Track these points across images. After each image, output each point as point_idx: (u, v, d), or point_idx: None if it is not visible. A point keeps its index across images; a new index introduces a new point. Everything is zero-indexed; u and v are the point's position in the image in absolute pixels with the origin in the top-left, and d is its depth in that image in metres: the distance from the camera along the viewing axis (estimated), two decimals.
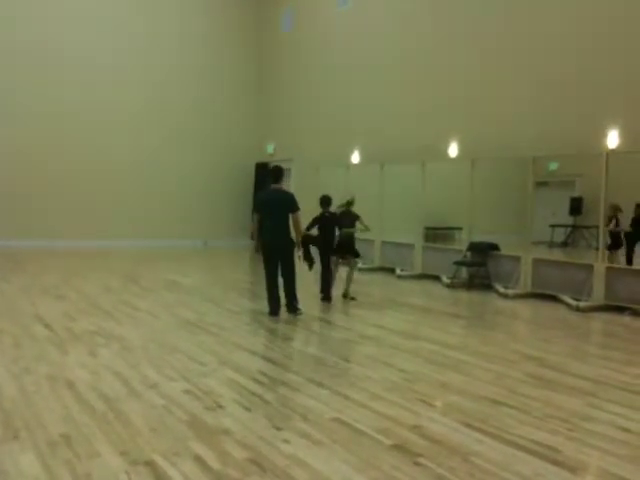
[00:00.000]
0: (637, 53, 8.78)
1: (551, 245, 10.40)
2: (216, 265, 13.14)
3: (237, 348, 5.56)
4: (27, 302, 7.66)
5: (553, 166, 10.22)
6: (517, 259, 9.50)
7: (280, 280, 7.17)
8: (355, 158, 13.73)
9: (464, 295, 9.44)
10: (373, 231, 9.43)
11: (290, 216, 7.05)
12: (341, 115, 14.36)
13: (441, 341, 6.05)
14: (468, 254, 10.22)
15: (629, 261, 8.61)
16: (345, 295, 8.40)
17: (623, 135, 8.67)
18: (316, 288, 8.37)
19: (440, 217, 12.08)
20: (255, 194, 16.91)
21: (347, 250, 8.53)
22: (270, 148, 17.07)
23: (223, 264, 13.37)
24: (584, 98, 9.36)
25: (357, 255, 8.72)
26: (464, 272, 10.27)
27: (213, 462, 3.11)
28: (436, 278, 10.72)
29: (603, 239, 8.47)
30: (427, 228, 11.70)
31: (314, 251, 8.05)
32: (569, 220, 10.18)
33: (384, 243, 12.11)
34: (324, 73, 15.09)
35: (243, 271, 12.78)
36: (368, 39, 13.72)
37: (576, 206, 9.99)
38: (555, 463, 3.19)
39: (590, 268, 8.44)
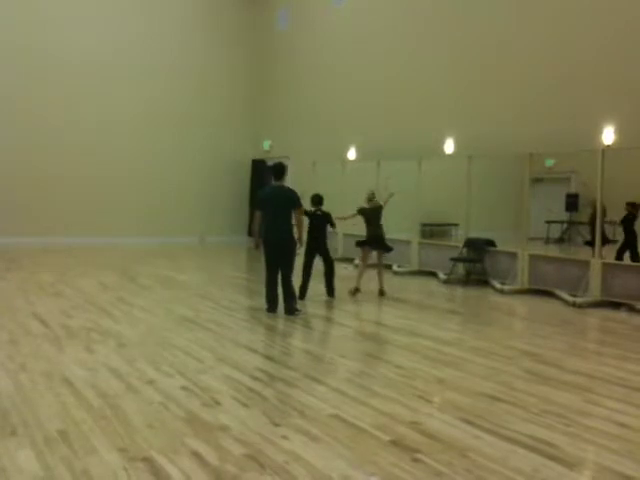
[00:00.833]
0: (633, 50, 8.79)
1: (547, 241, 10.43)
2: (213, 262, 13.13)
3: (234, 345, 5.56)
4: (23, 299, 7.64)
5: (549, 162, 10.24)
6: (514, 255, 9.52)
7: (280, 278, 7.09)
8: (351, 155, 13.72)
9: (461, 291, 9.45)
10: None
11: (293, 213, 6.98)
12: (337, 112, 14.34)
13: (438, 337, 6.05)
14: (464, 250, 10.23)
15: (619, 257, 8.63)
16: (382, 293, 8.44)
17: (619, 132, 8.69)
18: (321, 285, 8.29)
19: (437, 213, 12.10)
20: (251, 191, 16.93)
21: (382, 245, 8.55)
22: (266, 145, 17.05)
23: (220, 261, 13.35)
24: (580, 95, 9.38)
25: (390, 249, 8.70)
26: (461, 268, 10.28)
27: (211, 458, 3.11)
28: (433, 274, 10.73)
29: (599, 235, 8.49)
30: (424, 224, 11.71)
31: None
32: (565, 216, 10.21)
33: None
34: (320, 70, 15.06)
35: (240, 268, 12.77)
36: (364, 36, 13.69)
37: (572, 202, 10.02)
38: (552, 458, 3.20)
39: (586, 264, 8.46)
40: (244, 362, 4.96)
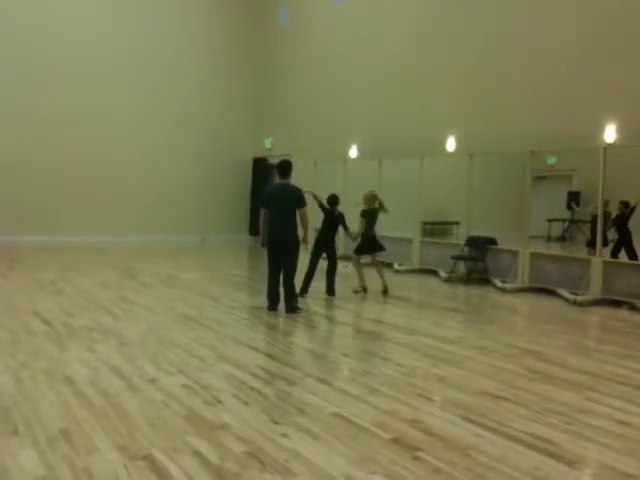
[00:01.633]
0: (635, 49, 8.77)
1: (548, 239, 10.41)
2: (214, 260, 13.13)
3: (235, 343, 5.56)
4: (25, 298, 7.65)
5: (551, 160, 10.22)
6: (515, 253, 9.51)
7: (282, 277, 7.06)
8: (353, 153, 13.71)
9: (462, 290, 9.45)
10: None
11: (297, 212, 6.90)
12: (339, 110, 14.33)
13: (439, 335, 6.05)
14: (466, 248, 10.22)
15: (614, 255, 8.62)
16: (386, 291, 8.44)
17: (621, 130, 8.67)
18: (321, 284, 8.28)
19: (438, 212, 12.09)
20: (253, 189, 16.92)
21: (378, 246, 8.60)
22: (268, 143, 17.04)
23: (221, 259, 13.35)
24: (582, 93, 9.36)
25: (384, 248, 8.79)
26: (462, 266, 10.28)
27: (212, 456, 3.11)
28: (434, 273, 10.73)
29: (600, 233, 8.47)
30: (425, 223, 11.70)
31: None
32: (567, 214, 10.19)
33: (382, 238, 12.05)
34: (321, 68, 15.05)
35: (241, 266, 12.77)
36: (365, 34, 13.67)
37: (574, 200, 10.00)
38: (553, 456, 3.20)
39: (588, 262, 8.45)
40: (245, 360, 4.97)
